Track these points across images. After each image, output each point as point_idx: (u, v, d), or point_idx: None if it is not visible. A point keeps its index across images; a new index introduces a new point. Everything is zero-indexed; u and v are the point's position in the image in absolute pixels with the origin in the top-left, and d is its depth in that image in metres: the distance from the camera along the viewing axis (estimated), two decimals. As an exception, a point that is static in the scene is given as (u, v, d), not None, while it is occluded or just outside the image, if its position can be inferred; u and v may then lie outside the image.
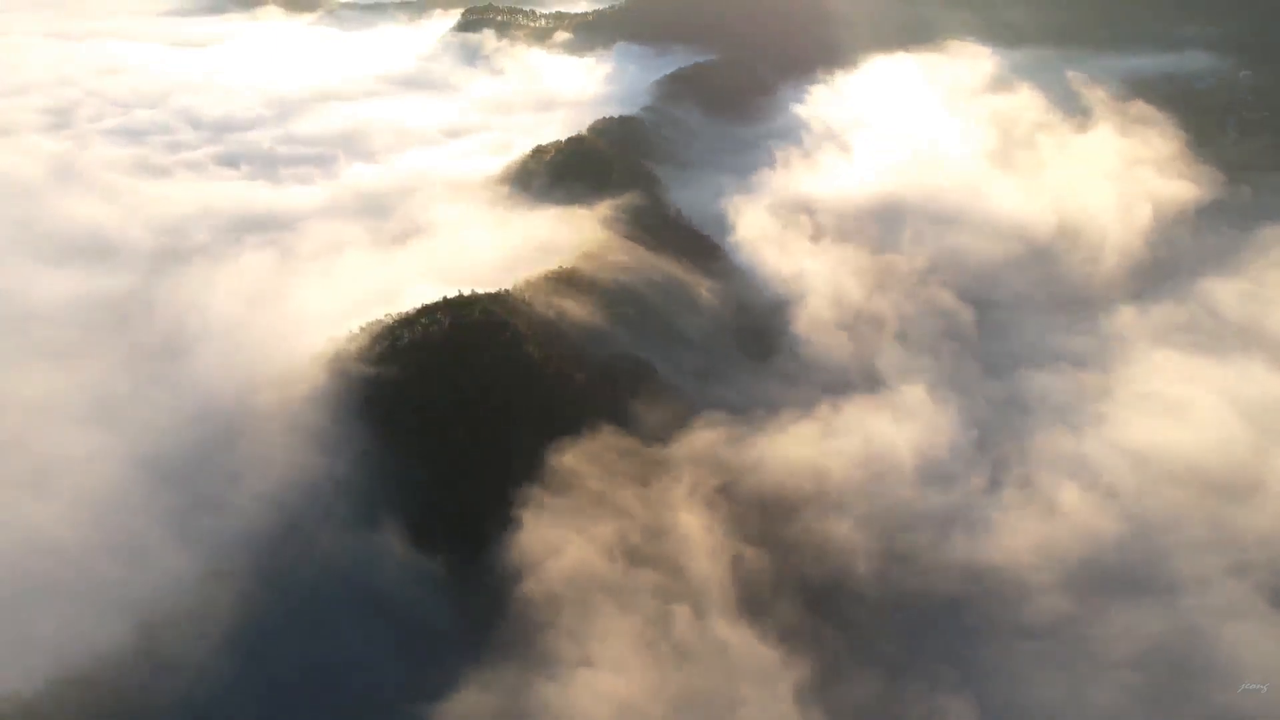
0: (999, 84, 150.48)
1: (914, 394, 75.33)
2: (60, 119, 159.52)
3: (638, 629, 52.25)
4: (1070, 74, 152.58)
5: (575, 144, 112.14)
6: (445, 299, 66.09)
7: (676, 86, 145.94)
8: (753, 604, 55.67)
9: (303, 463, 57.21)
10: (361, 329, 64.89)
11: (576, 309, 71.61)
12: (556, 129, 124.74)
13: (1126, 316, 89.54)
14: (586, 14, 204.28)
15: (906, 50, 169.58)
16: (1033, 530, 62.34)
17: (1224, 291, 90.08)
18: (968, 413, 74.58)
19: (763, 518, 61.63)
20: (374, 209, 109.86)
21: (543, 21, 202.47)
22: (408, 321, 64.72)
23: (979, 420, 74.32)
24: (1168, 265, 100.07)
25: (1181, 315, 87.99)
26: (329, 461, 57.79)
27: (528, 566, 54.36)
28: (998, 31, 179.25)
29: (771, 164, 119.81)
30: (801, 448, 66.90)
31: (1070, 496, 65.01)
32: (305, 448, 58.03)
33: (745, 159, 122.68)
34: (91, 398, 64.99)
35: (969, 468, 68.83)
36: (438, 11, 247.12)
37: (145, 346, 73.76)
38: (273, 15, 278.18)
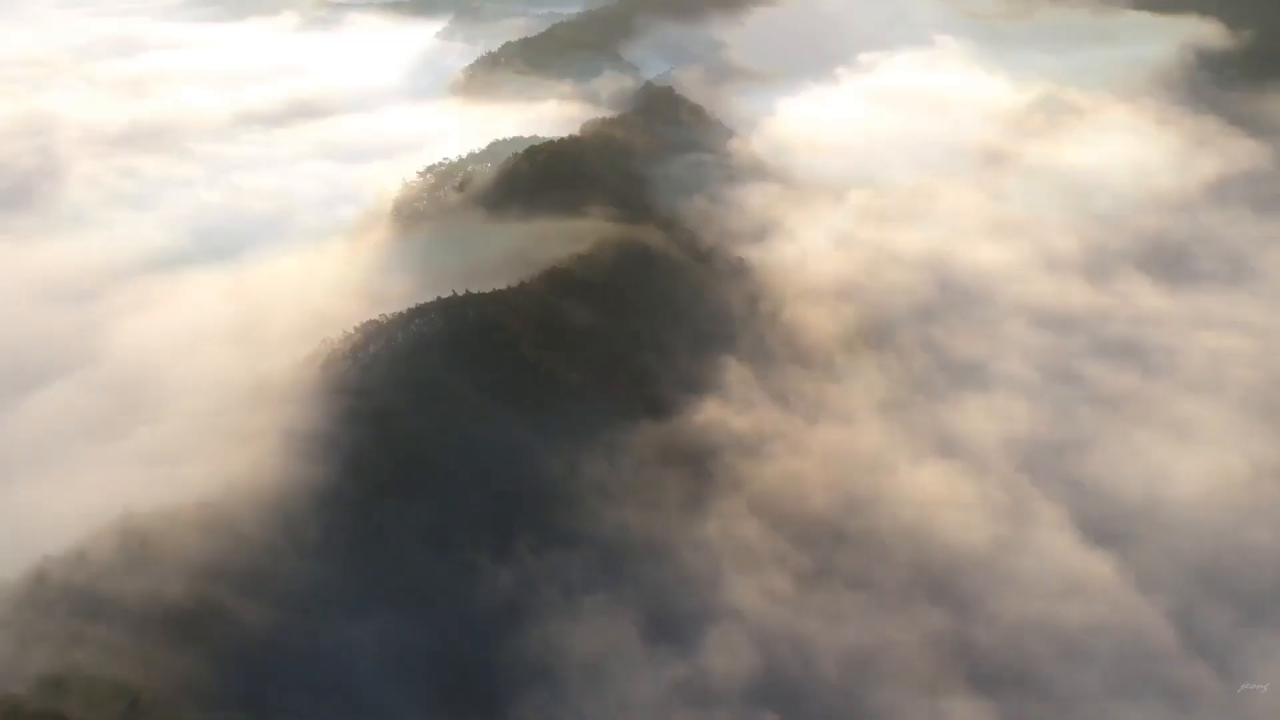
0: (989, 73, 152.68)
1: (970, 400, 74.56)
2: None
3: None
4: (1055, 60, 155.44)
5: (570, 144, 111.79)
6: (439, 298, 65.83)
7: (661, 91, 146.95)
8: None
9: (292, 468, 56.61)
10: (356, 329, 64.49)
11: (574, 309, 71.04)
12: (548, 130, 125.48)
13: (1164, 299, 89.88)
14: (580, 14, 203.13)
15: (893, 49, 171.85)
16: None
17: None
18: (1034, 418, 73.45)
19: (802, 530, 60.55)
20: (364, 217, 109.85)
21: (526, 20, 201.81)
22: (401, 323, 64.23)
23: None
24: (1199, 243, 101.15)
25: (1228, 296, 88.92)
26: (319, 466, 57.22)
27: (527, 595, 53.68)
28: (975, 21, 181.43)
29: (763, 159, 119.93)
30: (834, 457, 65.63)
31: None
32: (295, 451, 57.26)
33: (736, 156, 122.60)
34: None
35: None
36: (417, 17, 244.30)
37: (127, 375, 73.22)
38: (261, 18, 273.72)
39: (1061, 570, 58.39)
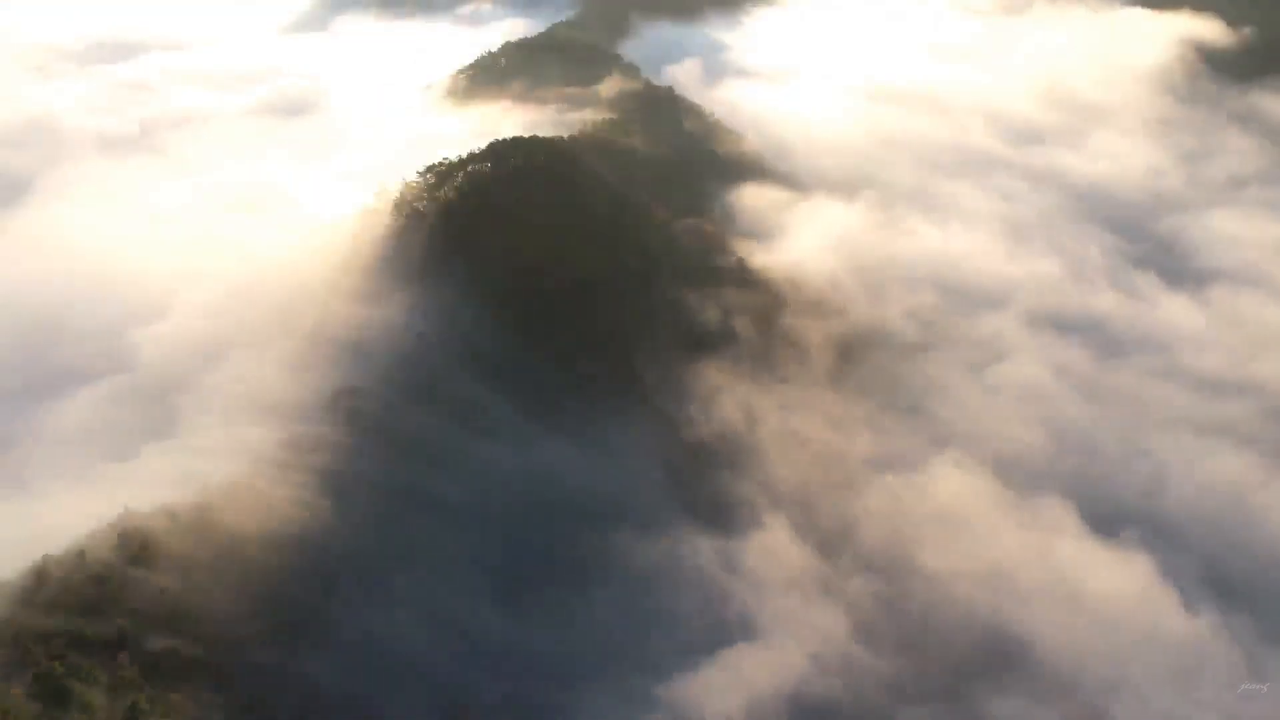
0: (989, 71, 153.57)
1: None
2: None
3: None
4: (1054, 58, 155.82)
5: (570, 145, 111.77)
6: (441, 302, 65.87)
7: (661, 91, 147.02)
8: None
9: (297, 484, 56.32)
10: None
11: (575, 312, 70.67)
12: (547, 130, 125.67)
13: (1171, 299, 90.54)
14: (579, 14, 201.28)
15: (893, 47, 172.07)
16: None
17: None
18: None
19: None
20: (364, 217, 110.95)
21: (526, 21, 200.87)
22: (405, 327, 64.15)
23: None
24: (1206, 244, 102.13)
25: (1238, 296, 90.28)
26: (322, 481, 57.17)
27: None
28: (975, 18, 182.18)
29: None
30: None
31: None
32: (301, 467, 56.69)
33: (736, 156, 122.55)
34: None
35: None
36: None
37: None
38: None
39: (1088, 577, 58.30)
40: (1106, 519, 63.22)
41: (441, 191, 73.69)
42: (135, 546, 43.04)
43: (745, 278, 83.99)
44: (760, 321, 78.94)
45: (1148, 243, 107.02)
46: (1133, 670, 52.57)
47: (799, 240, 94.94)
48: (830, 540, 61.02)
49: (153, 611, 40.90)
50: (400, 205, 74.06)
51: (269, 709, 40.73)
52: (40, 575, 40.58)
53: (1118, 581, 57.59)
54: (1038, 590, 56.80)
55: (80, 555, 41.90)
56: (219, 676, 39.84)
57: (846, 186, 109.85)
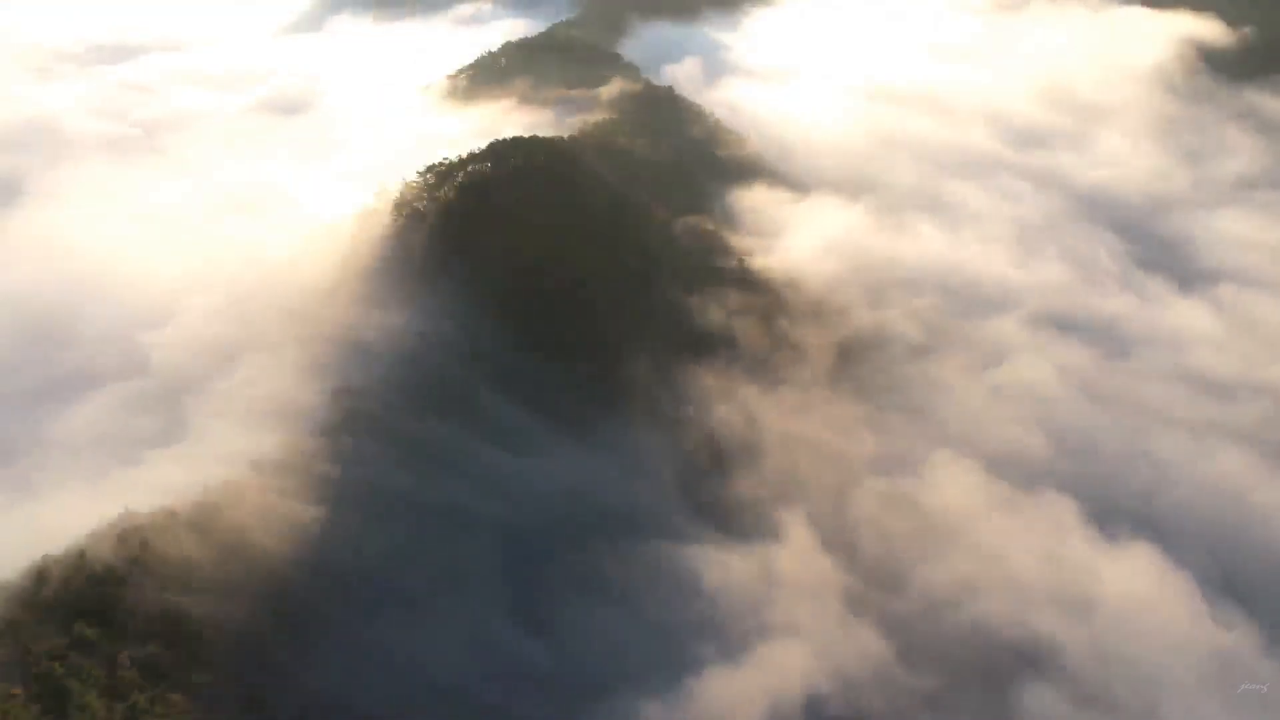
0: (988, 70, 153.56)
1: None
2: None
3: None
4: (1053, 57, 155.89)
5: (569, 145, 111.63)
6: (443, 305, 65.95)
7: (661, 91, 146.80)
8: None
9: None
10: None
11: (574, 313, 70.64)
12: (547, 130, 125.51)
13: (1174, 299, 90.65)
14: (579, 14, 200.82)
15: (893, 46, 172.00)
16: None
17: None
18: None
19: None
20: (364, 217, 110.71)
21: (525, 21, 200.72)
22: (406, 330, 64.34)
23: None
24: (1209, 244, 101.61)
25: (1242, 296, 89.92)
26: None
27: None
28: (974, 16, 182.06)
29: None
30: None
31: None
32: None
33: (736, 156, 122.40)
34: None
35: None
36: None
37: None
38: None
39: (1106, 580, 58.10)
40: (1117, 519, 63.19)
41: (441, 191, 73.76)
42: (136, 547, 43.03)
43: (746, 278, 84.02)
44: (762, 322, 78.91)
45: (1152, 244, 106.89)
46: (1167, 675, 52.31)
47: (800, 240, 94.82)
48: (847, 545, 60.75)
49: (153, 612, 40.90)
50: (400, 205, 74.16)
51: (269, 710, 40.74)
52: (40, 575, 40.54)
53: (1139, 585, 57.47)
54: (1055, 594, 56.59)
55: (80, 556, 41.87)
56: (219, 678, 39.82)
57: (847, 187, 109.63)
